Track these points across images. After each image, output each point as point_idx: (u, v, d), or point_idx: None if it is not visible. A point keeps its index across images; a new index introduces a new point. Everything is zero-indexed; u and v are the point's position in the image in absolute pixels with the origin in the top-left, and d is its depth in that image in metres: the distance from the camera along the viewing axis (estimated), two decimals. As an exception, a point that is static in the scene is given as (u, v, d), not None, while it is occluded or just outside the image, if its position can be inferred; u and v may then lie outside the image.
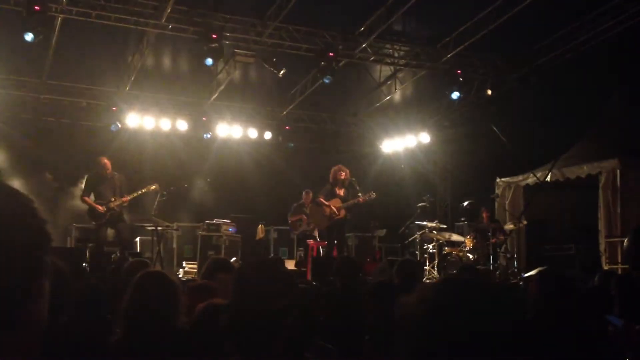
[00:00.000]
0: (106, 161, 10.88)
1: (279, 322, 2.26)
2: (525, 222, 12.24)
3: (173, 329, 3.14)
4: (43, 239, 1.02)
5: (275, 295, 2.30)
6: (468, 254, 12.10)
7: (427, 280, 10.87)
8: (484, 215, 12.69)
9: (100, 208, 10.54)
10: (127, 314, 3.15)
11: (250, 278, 2.39)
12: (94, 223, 10.79)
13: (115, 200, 10.63)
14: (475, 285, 1.45)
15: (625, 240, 2.54)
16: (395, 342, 1.45)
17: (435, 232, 12.65)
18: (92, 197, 10.78)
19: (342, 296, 4.66)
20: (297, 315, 2.31)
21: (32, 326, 1.00)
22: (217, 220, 13.29)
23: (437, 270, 12.11)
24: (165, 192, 11.10)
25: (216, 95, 14.41)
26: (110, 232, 11.11)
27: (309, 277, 10.20)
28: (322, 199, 11.26)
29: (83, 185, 11.15)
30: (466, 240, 12.39)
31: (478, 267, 10.86)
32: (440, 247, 12.58)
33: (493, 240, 11.97)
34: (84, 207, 10.85)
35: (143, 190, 10.90)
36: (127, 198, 10.73)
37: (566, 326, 2.85)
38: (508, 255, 12.30)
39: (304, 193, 13.44)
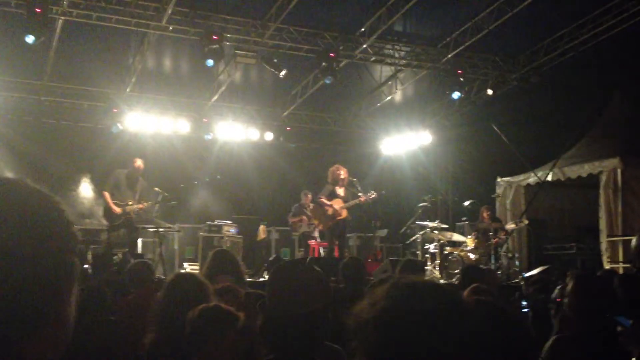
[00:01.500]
0: (140, 164, 10.85)
1: (315, 324, 2.26)
2: (526, 222, 12.23)
3: None
4: (73, 242, 1.03)
5: (312, 297, 2.30)
6: (469, 254, 12.10)
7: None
8: (485, 214, 12.67)
9: (117, 209, 10.52)
10: (162, 315, 3.17)
11: (286, 280, 2.40)
12: (107, 224, 10.77)
13: (132, 204, 10.62)
14: (427, 287, 1.42)
15: (634, 240, 2.55)
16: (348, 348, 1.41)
17: (436, 232, 12.64)
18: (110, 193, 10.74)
19: (348, 297, 4.66)
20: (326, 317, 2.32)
21: (62, 329, 1.00)
22: (218, 221, 13.27)
23: (439, 270, 12.12)
24: (175, 200, 11.10)
25: (217, 96, 14.42)
26: (116, 234, 11.09)
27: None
28: (323, 199, 11.25)
29: (108, 179, 10.96)
30: (467, 240, 12.38)
31: (481, 266, 10.84)
32: (441, 247, 12.57)
33: (495, 240, 11.97)
34: (85, 208, 10.84)
35: (161, 201, 10.89)
36: (144, 205, 10.72)
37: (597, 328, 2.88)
38: (509, 255, 12.29)
39: (302, 194, 13.45)
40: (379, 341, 1.32)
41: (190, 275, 3.59)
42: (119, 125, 14.04)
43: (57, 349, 0.99)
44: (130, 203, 10.61)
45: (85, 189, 13.64)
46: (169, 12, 10.48)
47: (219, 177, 14.81)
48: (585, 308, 3.20)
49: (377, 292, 1.39)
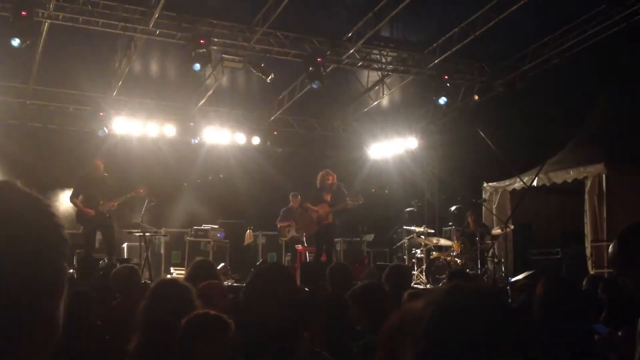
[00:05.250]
0: (99, 163, 10.82)
1: (288, 334, 2.26)
2: (512, 227, 12.29)
3: None
4: (63, 246, 1.02)
5: (285, 309, 2.30)
6: (456, 259, 12.15)
7: (416, 285, 10.91)
8: (470, 219, 12.73)
9: (90, 211, 10.45)
10: (146, 321, 3.16)
11: (263, 287, 2.40)
12: (82, 228, 10.71)
13: (103, 204, 10.55)
14: (485, 293, 1.44)
15: (611, 246, 2.56)
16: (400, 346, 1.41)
17: (423, 237, 12.69)
18: (80, 199, 10.69)
19: (334, 302, 4.67)
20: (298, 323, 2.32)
21: (51, 333, 1.00)
22: (205, 226, 13.27)
23: (425, 275, 12.15)
24: (154, 199, 11.04)
25: (204, 100, 14.40)
26: (94, 237, 11.02)
27: (297, 282, 10.20)
28: (309, 204, 11.26)
29: (74, 186, 10.93)
30: (454, 245, 12.43)
31: (467, 271, 10.89)
32: (428, 251, 12.62)
33: (481, 245, 12.01)
34: (72, 211, 10.77)
35: (132, 194, 10.84)
36: (116, 202, 10.66)
37: (564, 332, 2.87)
38: (495, 260, 12.34)
39: (291, 196, 13.44)
40: (429, 340, 1.33)
41: (173, 281, 3.58)
42: (105, 129, 13.98)
43: (44, 352, 0.99)
44: (101, 203, 10.57)
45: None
46: (156, 16, 10.45)
47: (221, 175, 15.02)
48: (553, 313, 3.18)
49: (434, 293, 1.40)
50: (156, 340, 3.09)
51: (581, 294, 3.44)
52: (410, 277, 7.72)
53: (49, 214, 1.02)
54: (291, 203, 13.36)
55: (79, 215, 10.58)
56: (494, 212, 13.48)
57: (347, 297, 4.26)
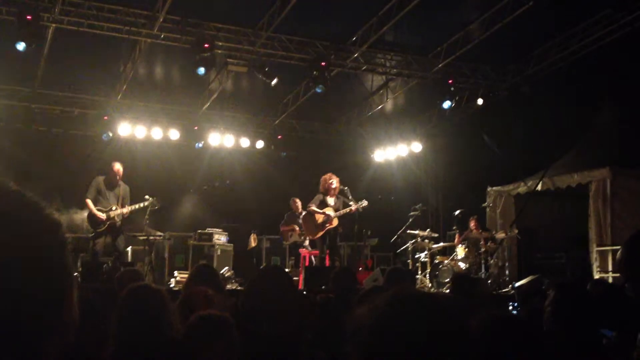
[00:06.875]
0: (119, 167, 10.70)
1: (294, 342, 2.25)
2: (516, 231, 12.27)
3: (165, 340, 3.12)
4: (65, 247, 0.97)
5: (289, 315, 2.29)
6: (460, 263, 12.13)
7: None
8: (472, 224, 12.71)
9: (101, 216, 10.40)
10: (117, 331, 3.13)
11: (261, 295, 2.39)
12: (92, 231, 10.66)
13: (116, 209, 10.52)
14: (424, 298, 1.43)
15: (619, 252, 2.57)
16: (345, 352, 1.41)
17: (427, 241, 12.67)
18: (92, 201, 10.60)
19: (337, 306, 4.67)
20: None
21: (61, 338, 0.97)
22: (209, 230, 13.24)
23: (429, 279, 12.14)
24: (157, 203, 11.01)
25: (208, 104, 14.42)
26: (102, 241, 10.98)
27: (301, 286, 10.22)
28: (313, 207, 11.25)
29: (90, 186, 10.70)
30: (458, 249, 12.41)
31: (472, 275, 10.87)
32: (432, 256, 12.60)
33: (484, 249, 11.99)
34: (76, 215, 10.75)
35: (145, 204, 10.77)
36: (128, 210, 10.61)
37: (574, 337, 2.86)
38: (499, 264, 12.33)
39: (291, 201, 13.43)
40: (372, 349, 1.33)
41: (145, 287, 3.54)
42: (109, 133, 14.01)
43: (56, 357, 0.96)
44: (113, 208, 10.53)
45: (76, 197, 13.55)
46: (161, 20, 10.48)
47: (228, 182, 15.15)
48: (567, 318, 3.18)
49: (378, 299, 1.40)
50: (131, 347, 3.06)
51: (590, 299, 3.43)
52: (411, 280, 7.72)
53: (43, 214, 0.96)
54: (292, 207, 13.37)
55: (90, 217, 10.53)
56: (498, 216, 13.46)
57: (354, 301, 4.25)
